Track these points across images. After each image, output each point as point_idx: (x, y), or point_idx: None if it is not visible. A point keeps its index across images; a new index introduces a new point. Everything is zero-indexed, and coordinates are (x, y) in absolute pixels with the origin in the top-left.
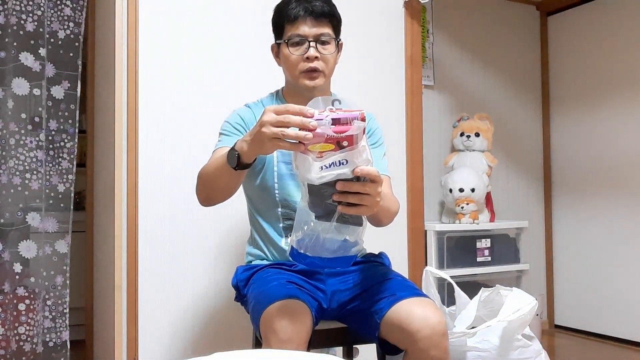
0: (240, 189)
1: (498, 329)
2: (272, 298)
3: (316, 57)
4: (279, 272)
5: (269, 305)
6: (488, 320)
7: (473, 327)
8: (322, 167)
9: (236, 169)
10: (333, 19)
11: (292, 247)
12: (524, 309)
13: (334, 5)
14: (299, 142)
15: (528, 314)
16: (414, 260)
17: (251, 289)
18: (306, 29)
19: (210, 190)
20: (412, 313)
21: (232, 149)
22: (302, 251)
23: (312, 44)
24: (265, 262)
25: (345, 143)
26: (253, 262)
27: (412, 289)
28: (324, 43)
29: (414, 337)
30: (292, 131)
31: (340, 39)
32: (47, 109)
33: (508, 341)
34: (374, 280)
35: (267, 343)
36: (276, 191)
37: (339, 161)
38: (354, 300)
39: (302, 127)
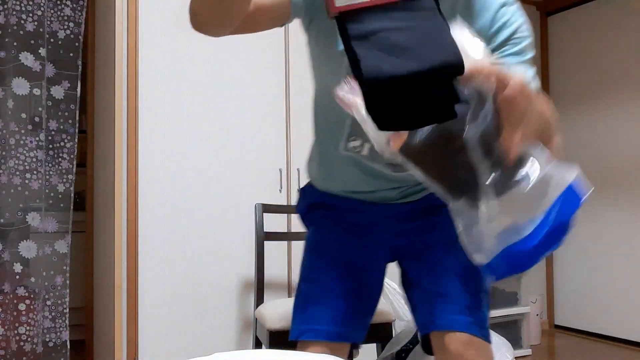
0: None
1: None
2: (311, 332)
3: None
4: (328, 249)
5: (305, 339)
6: None
7: None
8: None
9: None
10: None
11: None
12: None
13: None
14: None
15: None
16: None
17: (304, 255)
18: None
19: None
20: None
21: None
22: (488, 260)
23: None
24: (320, 189)
25: None
26: (314, 184)
27: (470, 313)
28: None
29: None
30: None
31: None
32: (47, 109)
33: None
34: (432, 262)
35: None
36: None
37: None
38: (411, 267)
39: None
